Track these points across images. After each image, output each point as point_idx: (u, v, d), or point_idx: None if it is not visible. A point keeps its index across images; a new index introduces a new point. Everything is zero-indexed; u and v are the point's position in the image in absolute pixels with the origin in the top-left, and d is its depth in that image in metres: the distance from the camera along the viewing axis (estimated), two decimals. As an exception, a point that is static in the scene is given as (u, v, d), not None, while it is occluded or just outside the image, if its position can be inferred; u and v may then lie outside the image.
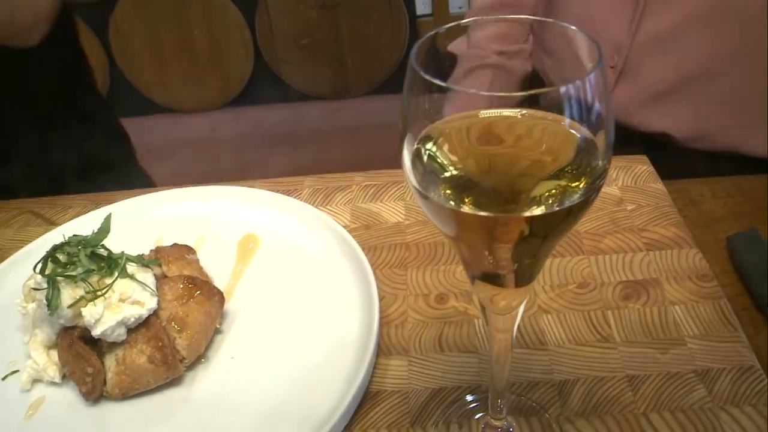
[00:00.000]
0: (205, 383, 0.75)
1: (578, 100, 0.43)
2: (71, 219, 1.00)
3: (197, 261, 0.84)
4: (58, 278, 0.71)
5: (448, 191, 0.45)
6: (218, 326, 0.79)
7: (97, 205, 1.02)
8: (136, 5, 3.53)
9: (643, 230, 0.88)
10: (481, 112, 0.46)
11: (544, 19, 0.48)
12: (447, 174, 0.46)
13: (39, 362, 0.76)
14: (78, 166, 1.35)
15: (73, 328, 0.74)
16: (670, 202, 0.92)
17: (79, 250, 0.72)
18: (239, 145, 3.59)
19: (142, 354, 0.72)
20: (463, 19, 0.50)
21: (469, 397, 0.70)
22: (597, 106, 0.44)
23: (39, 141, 1.33)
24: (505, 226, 0.45)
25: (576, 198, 0.45)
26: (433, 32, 0.47)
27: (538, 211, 0.44)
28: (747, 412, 0.66)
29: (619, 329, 0.76)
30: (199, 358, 0.76)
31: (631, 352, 0.73)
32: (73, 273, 0.71)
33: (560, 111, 0.44)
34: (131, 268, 0.74)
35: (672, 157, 1.12)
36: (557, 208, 0.45)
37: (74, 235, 0.75)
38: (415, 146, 0.46)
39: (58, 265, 0.73)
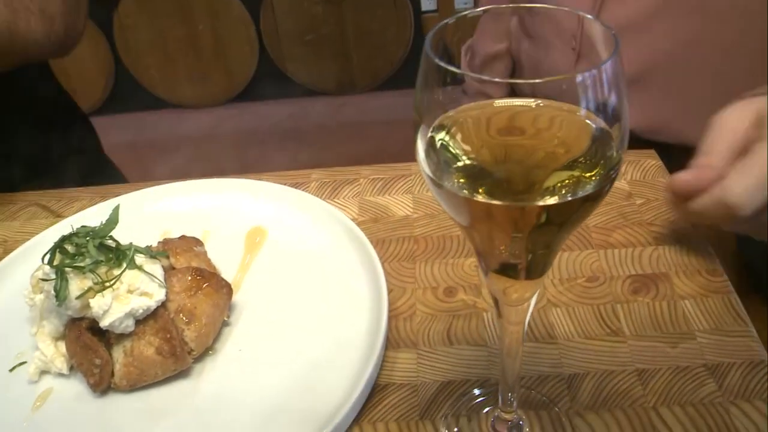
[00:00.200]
0: (213, 375, 0.75)
1: (594, 89, 0.43)
2: (77, 212, 1.00)
3: (205, 253, 0.84)
4: (67, 269, 0.71)
5: (462, 180, 0.45)
6: (226, 319, 0.79)
7: (103, 198, 1.02)
8: (141, 0, 3.53)
9: (652, 224, 0.88)
10: (496, 101, 0.46)
11: (564, 8, 0.47)
12: (461, 163, 0.46)
13: (46, 354, 0.75)
14: (36, 155, 1.36)
15: (81, 319, 0.73)
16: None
17: (87, 241, 0.72)
18: (243, 141, 3.59)
19: (150, 346, 0.72)
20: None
21: (478, 391, 0.70)
22: (612, 95, 0.44)
23: None
24: (519, 216, 0.45)
25: (589, 188, 0.45)
26: (447, 21, 0.46)
27: (552, 200, 0.44)
28: (757, 407, 0.66)
29: (628, 323, 0.76)
30: (207, 351, 0.76)
31: (641, 346, 0.73)
32: (82, 264, 0.71)
33: (575, 99, 0.43)
34: (139, 259, 0.74)
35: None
36: (571, 198, 0.44)
37: (82, 226, 0.75)
38: (429, 135, 0.46)
39: (67, 256, 0.72)
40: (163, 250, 0.80)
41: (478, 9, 0.48)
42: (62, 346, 0.76)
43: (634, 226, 0.88)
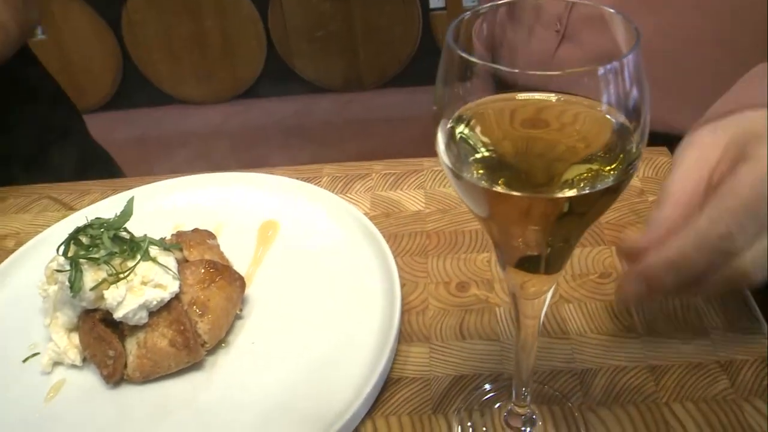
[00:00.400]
0: (226, 368, 0.75)
1: (615, 82, 0.43)
2: (89, 204, 1.01)
3: (218, 246, 0.84)
4: (81, 260, 0.71)
5: (482, 171, 0.45)
6: (239, 312, 0.79)
7: (115, 191, 1.03)
8: (149, -5, 3.54)
9: (664, 221, 0.88)
10: (518, 94, 0.46)
11: (585, 2, 0.47)
12: (481, 155, 0.46)
13: (60, 345, 0.76)
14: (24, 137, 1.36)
15: (95, 310, 0.74)
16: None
17: (102, 232, 0.72)
18: (250, 137, 3.59)
19: (163, 337, 0.72)
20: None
21: (490, 385, 0.70)
22: (633, 88, 0.44)
23: None
24: (538, 208, 0.45)
25: (608, 182, 0.45)
26: (469, 13, 0.47)
27: (570, 193, 0.44)
28: (771, 404, 0.66)
29: (641, 319, 0.75)
30: (219, 343, 0.76)
31: (654, 342, 0.73)
32: (96, 255, 0.71)
33: (596, 93, 0.44)
34: (154, 251, 0.74)
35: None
36: (589, 191, 0.44)
37: (97, 218, 0.75)
38: (449, 127, 0.46)
39: (81, 247, 0.73)
40: (176, 243, 0.80)
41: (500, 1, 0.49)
42: (75, 337, 0.76)
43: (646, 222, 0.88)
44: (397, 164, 1.03)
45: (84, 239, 0.73)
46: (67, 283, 0.71)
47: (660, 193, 0.66)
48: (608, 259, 0.83)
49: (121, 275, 0.71)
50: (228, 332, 0.77)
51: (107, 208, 0.94)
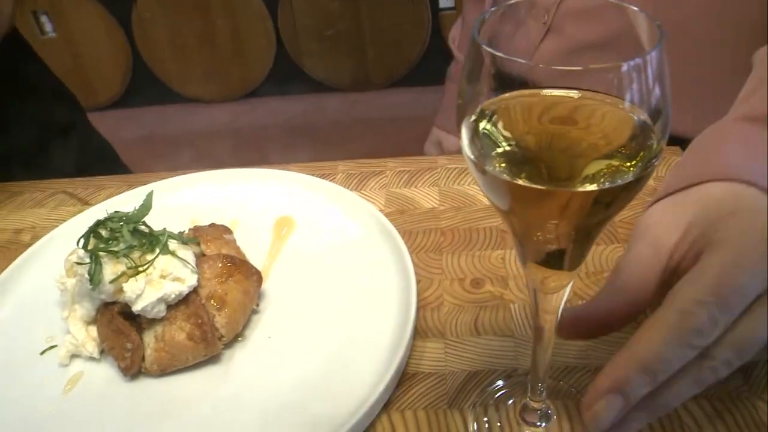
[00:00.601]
0: (242, 362, 0.75)
1: (638, 79, 0.43)
2: (104, 199, 1.01)
3: (234, 241, 0.85)
4: (101, 253, 0.72)
5: (505, 165, 0.46)
6: (255, 307, 0.80)
7: (130, 186, 1.03)
8: (159, -7, 3.55)
9: (677, 220, 0.88)
10: (541, 90, 0.47)
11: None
12: (505, 149, 0.47)
13: (78, 337, 0.76)
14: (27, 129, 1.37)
15: (113, 303, 0.74)
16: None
17: (121, 226, 0.73)
18: (259, 136, 3.61)
19: (181, 331, 0.72)
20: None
21: (505, 381, 0.71)
22: (656, 85, 0.44)
23: None
24: (561, 201, 0.46)
25: (629, 177, 0.45)
26: (495, 8, 0.47)
27: (592, 187, 0.45)
28: (785, 402, 0.66)
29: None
30: (236, 337, 0.77)
31: (668, 340, 0.73)
32: (116, 248, 0.72)
33: (619, 89, 0.44)
34: (172, 245, 0.75)
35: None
36: (610, 185, 0.45)
37: (116, 212, 0.76)
38: (473, 121, 0.47)
39: (101, 240, 0.73)
40: (194, 237, 0.81)
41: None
42: (93, 330, 0.77)
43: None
44: (411, 162, 1.04)
45: (104, 232, 0.74)
46: (86, 276, 0.71)
47: (613, 272, 0.62)
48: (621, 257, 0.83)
49: (141, 268, 0.72)
50: (245, 326, 0.78)
51: (122, 203, 0.95)
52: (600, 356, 0.72)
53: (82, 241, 0.74)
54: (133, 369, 0.73)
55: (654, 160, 0.46)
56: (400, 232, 0.86)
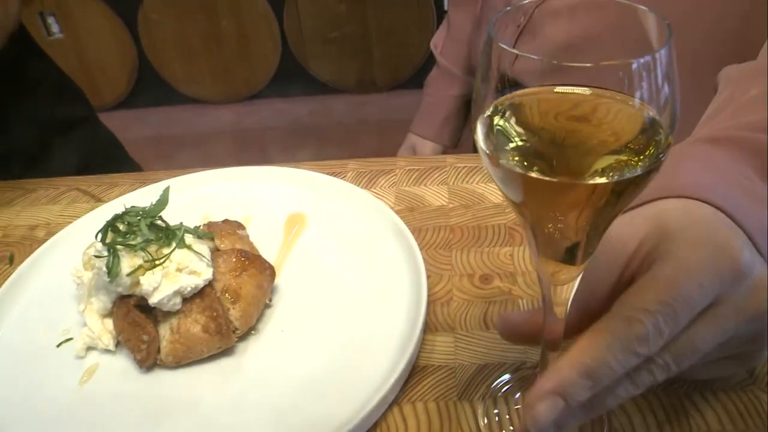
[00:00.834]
0: (256, 354, 0.77)
1: (647, 76, 0.45)
2: (117, 196, 1.03)
3: (248, 236, 0.86)
4: (118, 247, 0.73)
5: (518, 158, 0.47)
6: (268, 301, 0.81)
7: (143, 183, 1.05)
8: (166, -5, 3.57)
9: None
10: (554, 88, 0.48)
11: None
12: (518, 144, 0.48)
13: (94, 330, 0.77)
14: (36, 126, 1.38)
15: (130, 296, 0.76)
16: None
17: (139, 220, 0.75)
18: (264, 137, 3.62)
19: (196, 323, 0.74)
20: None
21: (514, 373, 0.72)
22: (665, 83, 0.46)
23: None
24: (572, 193, 0.47)
25: (638, 171, 0.47)
26: (511, 7, 0.49)
27: (602, 180, 0.46)
28: (789, 394, 0.68)
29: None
30: (249, 330, 0.78)
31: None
32: (133, 242, 0.74)
33: (629, 86, 0.45)
34: (188, 239, 0.76)
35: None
36: (618, 178, 0.46)
37: (132, 207, 0.77)
38: (488, 116, 0.48)
39: (119, 234, 0.75)
40: (208, 232, 0.82)
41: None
42: (109, 323, 0.78)
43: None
44: (421, 161, 1.05)
45: (121, 226, 0.75)
46: (104, 269, 0.73)
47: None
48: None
49: (157, 262, 0.73)
50: (258, 320, 0.79)
51: (135, 200, 0.96)
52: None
53: (100, 235, 0.75)
54: (149, 361, 0.75)
55: (662, 156, 0.47)
56: (410, 229, 0.87)
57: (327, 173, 1.00)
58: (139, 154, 1.62)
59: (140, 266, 0.73)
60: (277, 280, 0.84)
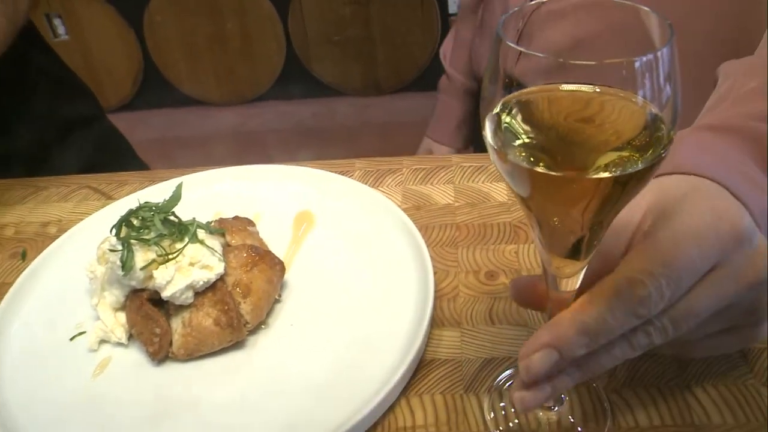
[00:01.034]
0: (266, 347, 0.78)
1: (649, 74, 0.46)
2: (127, 194, 1.04)
3: (257, 233, 0.88)
4: (132, 241, 0.75)
5: (524, 154, 0.49)
6: (278, 297, 0.82)
7: (152, 182, 1.06)
8: (171, -2, 3.58)
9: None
10: (560, 86, 0.50)
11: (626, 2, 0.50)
12: (524, 141, 0.50)
13: (107, 323, 0.79)
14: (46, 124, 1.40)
15: (142, 290, 0.77)
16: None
17: (152, 215, 0.76)
18: (268, 139, 3.63)
19: (208, 317, 0.75)
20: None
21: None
22: (667, 82, 0.47)
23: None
24: (576, 187, 0.49)
25: (641, 165, 0.48)
26: (519, 8, 0.50)
27: (605, 174, 0.48)
28: (789, 389, 0.69)
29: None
30: (260, 324, 0.80)
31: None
32: (147, 237, 0.75)
33: (632, 83, 0.47)
34: (201, 234, 0.78)
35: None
36: (620, 173, 0.48)
37: (146, 202, 0.79)
38: (496, 113, 0.50)
39: (133, 229, 0.76)
40: (219, 228, 0.84)
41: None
42: (122, 316, 0.79)
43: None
44: (427, 160, 1.07)
45: (135, 221, 0.77)
46: (118, 263, 0.74)
47: None
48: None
49: (170, 256, 0.75)
50: (268, 314, 0.81)
51: (145, 197, 0.97)
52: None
53: (114, 229, 0.77)
54: (161, 354, 0.76)
55: (663, 152, 0.49)
56: (417, 227, 0.88)
57: (334, 172, 1.02)
58: (143, 156, 1.63)
59: (153, 260, 0.75)
60: (287, 276, 0.85)
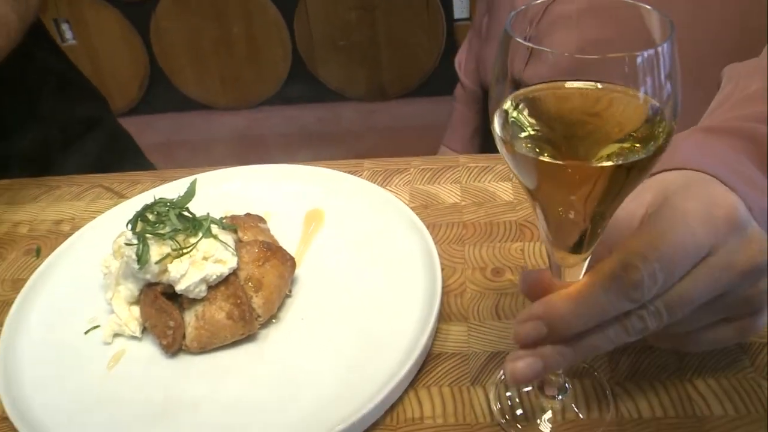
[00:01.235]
0: (277, 341, 0.80)
1: (650, 69, 0.48)
2: (139, 193, 1.06)
3: (269, 230, 0.89)
4: (148, 236, 0.77)
5: (531, 145, 0.51)
6: (288, 292, 0.84)
7: (164, 181, 1.08)
8: (178, 2, 3.60)
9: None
10: (565, 83, 0.52)
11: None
12: (530, 133, 0.52)
13: (121, 317, 0.81)
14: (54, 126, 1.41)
15: (156, 284, 0.79)
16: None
17: (168, 210, 0.78)
18: (273, 143, 3.64)
19: (221, 310, 0.77)
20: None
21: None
22: (668, 77, 0.49)
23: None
24: (580, 176, 0.50)
25: (642, 155, 0.50)
26: (527, 6, 0.52)
27: (608, 163, 0.49)
28: (789, 382, 0.71)
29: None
30: (271, 318, 0.81)
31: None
32: (162, 231, 0.77)
33: (634, 79, 0.49)
34: (214, 229, 0.80)
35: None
36: (622, 162, 0.50)
37: (161, 198, 0.81)
38: (504, 109, 0.52)
39: (148, 223, 0.78)
40: (232, 224, 0.85)
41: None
42: (136, 310, 0.81)
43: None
44: (434, 160, 1.09)
45: (151, 216, 0.79)
46: (134, 257, 0.76)
47: None
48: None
49: (185, 250, 0.77)
50: (279, 309, 0.82)
51: (157, 196, 0.99)
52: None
53: (130, 224, 0.79)
54: (175, 346, 0.78)
55: (663, 143, 0.51)
56: (425, 225, 0.90)
57: (343, 172, 1.04)
58: (149, 160, 1.65)
59: (168, 254, 0.76)
60: (297, 272, 0.87)
